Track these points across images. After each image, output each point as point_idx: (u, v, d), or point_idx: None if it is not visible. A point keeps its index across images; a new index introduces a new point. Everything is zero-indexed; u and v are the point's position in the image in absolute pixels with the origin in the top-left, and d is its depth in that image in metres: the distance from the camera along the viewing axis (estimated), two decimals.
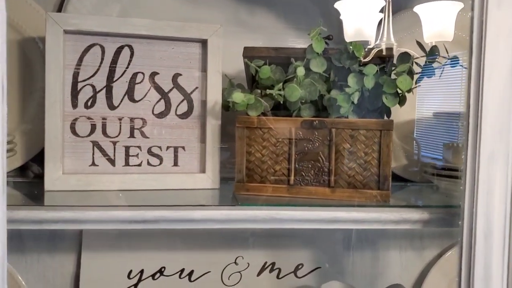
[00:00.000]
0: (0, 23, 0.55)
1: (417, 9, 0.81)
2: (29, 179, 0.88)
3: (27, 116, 0.90)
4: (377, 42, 0.82)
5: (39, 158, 0.88)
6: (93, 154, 0.84)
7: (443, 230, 1.05)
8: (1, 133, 0.56)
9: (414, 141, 1.01)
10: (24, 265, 0.94)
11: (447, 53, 0.76)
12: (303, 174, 0.78)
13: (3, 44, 0.56)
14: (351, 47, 0.75)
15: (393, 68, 0.78)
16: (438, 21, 0.78)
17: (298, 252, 1.02)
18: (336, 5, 0.80)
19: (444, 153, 0.92)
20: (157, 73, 0.86)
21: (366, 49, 0.79)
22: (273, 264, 1.01)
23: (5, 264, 0.58)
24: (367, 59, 0.78)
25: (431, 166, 0.92)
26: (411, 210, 0.73)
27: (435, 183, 0.93)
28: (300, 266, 1.01)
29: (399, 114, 0.97)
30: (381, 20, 0.81)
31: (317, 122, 0.77)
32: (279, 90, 0.76)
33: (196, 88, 0.87)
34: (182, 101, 0.87)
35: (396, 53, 0.81)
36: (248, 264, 1.00)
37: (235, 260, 0.99)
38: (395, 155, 1.00)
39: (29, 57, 0.90)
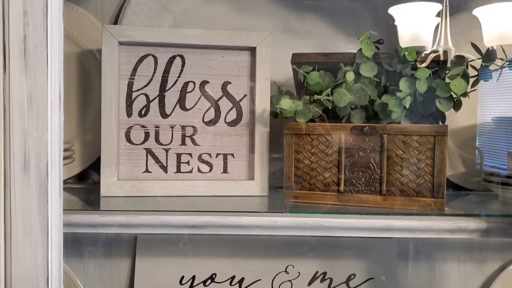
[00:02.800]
0: (57, 34, 0.58)
1: (477, 11, 0.78)
2: (87, 186, 0.92)
3: (86, 125, 0.94)
4: (434, 47, 0.79)
5: (96, 165, 0.92)
6: (146, 161, 0.86)
7: (504, 241, 1.00)
8: (58, 140, 0.59)
9: (477, 150, 0.96)
10: (82, 269, 0.97)
11: (505, 55, 0.72)
12: (354, 181, 0.77)
13: (61, 55, 0.59)
14: (401, 50, 0.73)
15: (447, 71, 0.75)
16: (499, 24, 0.75)
17: (350, 262, 0.99)
18: (390, 11, 0.78)
19: (509, 161, 0.87)
20: (207, 82, 0.87)
21: (423, 55, 0.77)
22: (325, 273, 0.99)
23: (61, 265, 0.60)
24: (423, 65, 0.75)
25: (490, 174, 0.88)
26: (467, 219, 0.70)
27: (494, 191, 0.88)
28: (353, 277, 0.99)
29: (456, 119, 0.93)
30: (437, 25, 0.79)
31: (367, 128, 0.76)
32: (328, 95, 0.75)
33: (245, 95, 0.88)
34: (231, 108, 0.88)
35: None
36: (299, 273, 0.98)
37: (286, 268, 0.98)
38: (452, 163, 0.96)
39: (88, 68, 0.94)
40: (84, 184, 0.93)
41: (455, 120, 0.94)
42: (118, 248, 0.98)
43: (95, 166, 0.93)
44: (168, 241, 0.98)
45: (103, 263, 0.98)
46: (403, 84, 0.73)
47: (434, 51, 0.76)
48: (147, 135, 0.86)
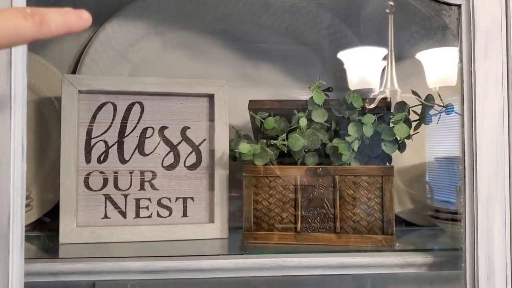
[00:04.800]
0: (21, 88, 0.60)
1: (420, 56, 0.85)
2: (45, 233, 0.91)
3: (44, 172, 0.94)
4: (381, 89, 0.86)
5: (54, 213, 0.91)
6: (105, 207, 0.87)
7: (452, 274, 1.05)
8: (20, 190, 0.60)
9: (427, 185, 1.02)
10: None
11: (442, 102, 0.79)
12: (310, 220, 0.81)
13: (24, 108, 0.60)
14: (348, 98, 0.78)
15: (390, 117, 0.81)
16: (440, 67, 0.82)
17: None
18: (340, 55, 0.85)
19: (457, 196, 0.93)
20: (167, 127, 0.90)
21: (371, 96, 0.83)
22: None
23: None
24: (372, 106, 0.81)
25: (435, 210, 0.93)
26: (415, 254, 0.74)
27: (440, 226, 0.94)
28: None
29: (403, 159, 0.99)
30: (384, 68, 0.85)
31: (320, 169, 0.80)
32: (283, 140, 0.80)
33: (204, 140, 0.91)
34: (191, 153, 0.90)
35: (400, 99, 0.84)
36: None
37: None
38: (400, 200, 1.02)
39: (45, 116, 0.95)
40: (42, 232, 0.92)
41: (402, 160, 1.00)
42: None
43: (52, 213, 0.93)
44: (127, 286, 0.98)
45: None
46: (351, 129, 0.79)
47: (381, 93, 0.83)
48: (105, 181, 0.87)
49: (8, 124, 0.58)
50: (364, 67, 0.88)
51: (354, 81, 0.89)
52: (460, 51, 0.66)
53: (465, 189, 0.66)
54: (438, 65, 0.84)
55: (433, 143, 1.03)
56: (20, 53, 0.59)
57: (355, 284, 1.05)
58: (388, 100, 0.84)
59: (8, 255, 0.58)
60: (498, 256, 0.64)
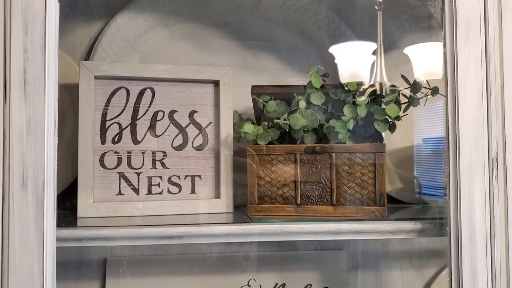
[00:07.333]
0: (53, 67, 0.67)
1: (408, 50, 0.92)
2: (62, 211, 0.97)
3: (59, 153, 1.00)
4: (371, 83, 0.93)
5: (68, 192, 0.98)
6: (119, 184, 0.93)
7: (438, 249, 1.14)
8: (53, 160, 0.67)
9: (415, 180, 1.10)
10: None
11: (429, 85, 0.87)
12: (308, 194, 0.88)
13: (56, 86, 0.67)
14: (345, 84, 0.86)
15: (382, 99, 0.89)
16: (427, 61, 0.89)
17: (306, 274, 1.09)
18: (331, 50, 0.92)
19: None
20: (176, 111, 0.97)
21: (361, 89, 0.90)
22: (284, 285, 1.08)
23: (54, 274, 0.67)
24: (362, 98, 0.89)
25: (423, 187, 1.02)
26: (405, 222, 0.82)
27: (429, 204, 1.02)
28: (309, 286, 1.09)
29: (393, 142, 1.07)
30: (374, 62, 0.93)
31: (318, 147, 0.88)
32: (285, 119, 0.87)
33: (210, 123, 0.98)
34: (198, 135, 0.98)
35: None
36: (260, 285, 1.07)
37: (248, 282, 1.07)
38: (391, 180, 1.10)
39: (60, 101, 1.01)
40: (59, 210, 0.98)
41: (392, 142, 1.08)
42: (88, 271, 1.03)
43: (66, 192, 0.99)
44: (137, 262, 1.05)
45: (73, 286, 1.03)
46: (346, 110, 0.87)
47: (371, 86, 0.90)
48: (119, 160, 0.94)
49: (43, 100, 0.65)
50: (355, 60, 0.95)
51: (345, 74, 0.96)
52: (444, 38, 0.74)
53: (449, 161, 0.74)
54: (425, 58, 0.90)
55: (422, 126, 1.11)
56: (52, 38, 0.66)
57: (349, 259, 1.12)
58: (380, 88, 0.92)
59: (43, 217, 0.64)
60: (479, 219, 0.72)
